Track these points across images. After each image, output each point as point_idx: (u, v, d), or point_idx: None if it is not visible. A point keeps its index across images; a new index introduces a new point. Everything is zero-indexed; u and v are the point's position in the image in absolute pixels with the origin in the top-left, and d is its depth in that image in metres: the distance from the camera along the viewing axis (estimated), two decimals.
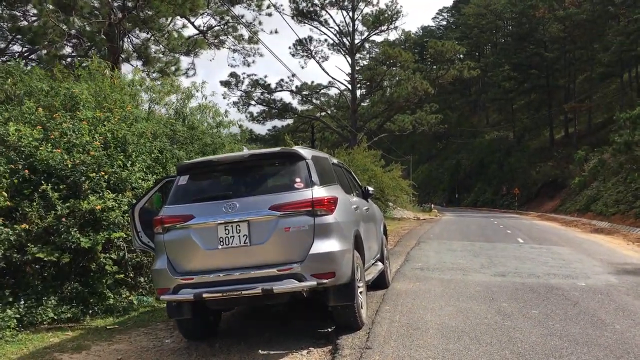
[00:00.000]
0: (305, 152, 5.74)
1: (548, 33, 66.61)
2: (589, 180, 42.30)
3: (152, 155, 8.59)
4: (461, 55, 50.14)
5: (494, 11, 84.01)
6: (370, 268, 7.37)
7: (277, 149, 5.92)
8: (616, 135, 34.05)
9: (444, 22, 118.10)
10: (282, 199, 5.32)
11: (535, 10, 68.72)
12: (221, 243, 5.31)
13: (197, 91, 12.09)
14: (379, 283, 8.13)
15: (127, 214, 7.23)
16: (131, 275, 7.83)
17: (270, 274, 5.20)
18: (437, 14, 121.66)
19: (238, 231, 5.30)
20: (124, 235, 7.41)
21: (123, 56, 22.89)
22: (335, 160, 6.92)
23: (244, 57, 30.44)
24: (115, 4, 21.37)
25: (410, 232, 21.28)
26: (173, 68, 20.88)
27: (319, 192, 5.45)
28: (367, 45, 51.91)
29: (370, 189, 8.07)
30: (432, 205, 53.05)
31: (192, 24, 26.68)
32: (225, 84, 46.38)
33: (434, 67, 47.14)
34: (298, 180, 5.47)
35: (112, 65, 11.80)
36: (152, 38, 23.34)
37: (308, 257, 5.21)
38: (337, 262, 5.35)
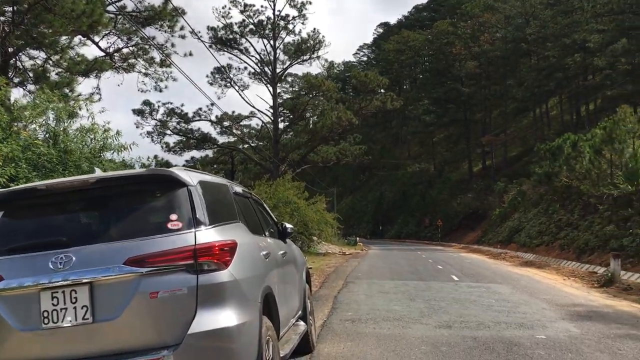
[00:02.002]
0: (188, 175, 3.85)
1: (464, 69, 68.59)
2: (509, 211, 42.71)
3: None
4: (383, 91, 49.89)
5: (413, 47, 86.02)
6: (287, 333, 5.53)
7: (143, 170, 4.04)
8: (536, 167, 34.42)
9: (365, 58, 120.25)
10: (146, 248, 3.43)
11: (452, 47, 70.82)
12: (46, 320, 3.33)
13: (80, 109, 9.98)
14: (302, 347, 6.29)
15: None
16: None
17: None
18: (358, 50, 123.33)
19: (74, 300, 3.35)
20: None
21: (14, 77, 20.26)
22: (239, 189, 5.08)
23: (155, 82, 28.12)
24: (2, 18, 18.86)
25: (336, 270, 19.58)
26: (67, 90, 18.33)
27: (208, 235, 3.60)
28: (289, 79, 50.73)
29: (289, 226, 6.26)
30: (357, 239, 51.87)
31: (97, 44, 24.24)
32: (138, 112, 43.57)
33: (357, 97, 46.53)
34: (174, 217, 3.59)
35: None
36: (46, 57, 20.83)
37: (186, 338, 3.33)
38: (233, 342, 3.50)
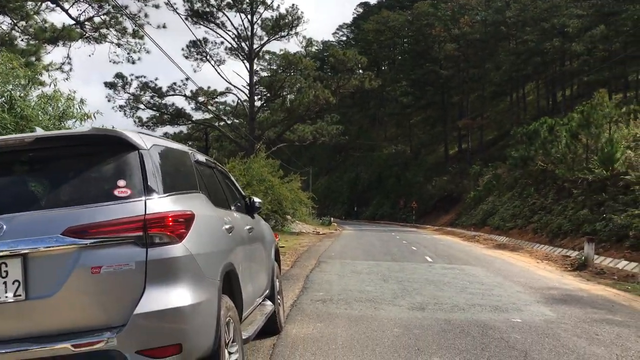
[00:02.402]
0: (140, 138, 3.41)
1: (443, 51, 68.36)
2: (484, 194, 42.89)
3: None
4: (361, 71, 49.38)
5: (392, 28, 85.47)
6: (253, 313, 5.19)
7: (88, 129, 3.59)
8: (512, 150, 34.49)
9: (344, 38, 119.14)
10: (88, 217, 3.01)
11: (432, 28, 70.49)
12: None
13: (40, 75, 9.38)
14: (269, 327, 5.97)
15: None
16: None
17: (61, 353, 2.90)
18: (337, 29, 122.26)
19: (4, 274, 2.95)
20: None
21: None
22: (201, 157, 4.64)
23: (128, 53, 27.22)
24: None
25: (309, 250, 19.29)
26: (33, 58, 17.50)
27: (160, 204, 3.20)
28: (267, 57, 49.78)
29: (258, 200, 5.87)
30: (332, 219, 51.72)
31: (67, 11, 23.24)
32: (110, 85, 42.36)
33: (336, 76, 45.91)
34: (122, 184, 3.18)
35: None
36: (12, 23, 19.89)
37: (132, 318, 2.95)
38: (186, 323, 3.13)
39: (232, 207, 5.15)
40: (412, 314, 7.49)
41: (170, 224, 3.17)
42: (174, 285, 3.11)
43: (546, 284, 11.16)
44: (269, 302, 5.91)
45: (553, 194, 26.91)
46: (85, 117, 9.45)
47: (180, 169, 3.91)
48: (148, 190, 3.20)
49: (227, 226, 4.18)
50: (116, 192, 3.14)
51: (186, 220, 3.31)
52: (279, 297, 6.54)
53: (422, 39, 73.70)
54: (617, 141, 21.32)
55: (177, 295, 3.10)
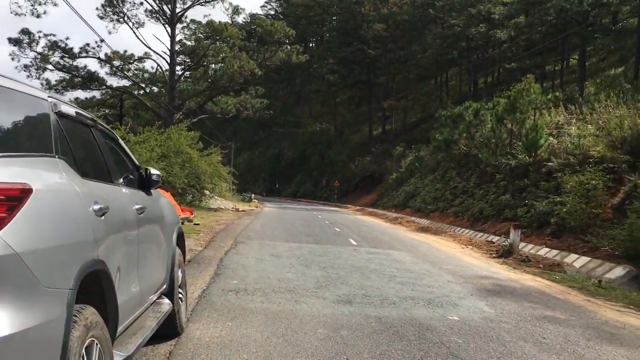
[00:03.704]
0: None
1: (372, 31, 67.93)
2: (406, 176, 43.05)
3: None
4: (289, 46, 47.87)
5: (322, 4, 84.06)
6: (141, 317, 4.01)
7: None
8: (437, 133, 34.51)
9: (272, 12, 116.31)
10: None
11: (361, 7, 69.84)
12: None
13: None
14: (165, 329, 4.80)
15: None
16: None
17: None
18: (266, 2, 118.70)
19: None
20: None
21: None
22: (70, 109, 3.31)
23: (32, 5, 24.41)
24: None
25: (226, 228, 18.01)
26: None
27: None
28: (192, 26, 47.07)
29: (155, 172, 4.61)
30: (253, 195, 50.37)
31: None
32: (14, 41, 38.45)
33: (262, 48, 44.13)
34: None
35: None
36: None
37: None
38: None
39: (119, 181, 3.92)
40: (338, 309, 6.54)
41: None
42: None
43: (476, 273, 10.61)
44: (166, 300, 4.73)
45: (475, 178, 27.03)
46: None
47: (23, 121, 2.65)
48: None
49: (96, 207, 2.94)
50: None
51: (9, 198, 2.09)
52: (181, 291, 5.36)
53: (351, 17, 72.95)
54: (541, 127, 21.42)
55: None
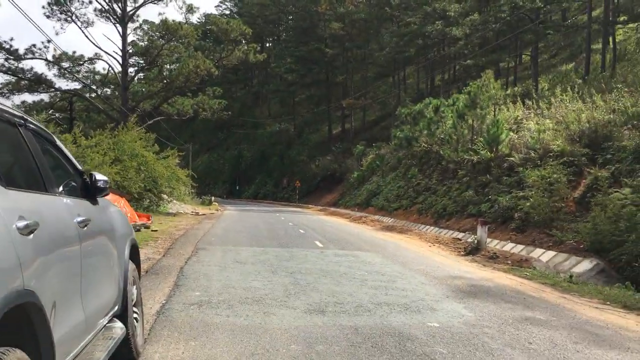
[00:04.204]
0: None
1: (329, 29, 67.71)
2: (367, 174, 42.91)
3: None
4: (245, 43, 47.01)
5: (278, 3, 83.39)
6: (89, 348, 3.44)
7: None
8: (397, 131, 34.43)
9: (227, 12, 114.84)
10: None
11: (317, 5, 69.51)
12: None
13: None
14: (120, 356, 4.22)
15: None
16: None
17: None
18: (221, 2, 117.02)
19: None
20: None
21: None
22: None
23: None
24: None
25: (186, 234, 17.27)
26: None
27: None
28: (145, 27, 45.67)
29: (103, 178, 4.04)
30: (213, 198, 49.37)
31: None
32: None
33: (218, 47, 43.14)
34: None
35: None
36: None
37: None
38: None
39: (58, 189, 3.35)
40: (310, 320, 6.06)
41: None
42: None
43: (448, 273, 10.31)
44: (118, 324, 4.15)
45: (437, 174, 27.00)
46: None
47: None
48: None
49: (21, 223, 2.38)
50: None
51: None
52: (136, 310, 4.79)
53: (308, 16, 72.60)
54: (502, 123, 21.47)
55: None
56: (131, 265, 4.69)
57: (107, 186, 4.07)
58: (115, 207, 4.86)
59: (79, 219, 3.35)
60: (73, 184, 3.81)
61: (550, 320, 6.57)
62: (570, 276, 10.53)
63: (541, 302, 7.86)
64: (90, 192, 3.93)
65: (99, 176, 3.99)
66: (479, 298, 7.82)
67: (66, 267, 2.93)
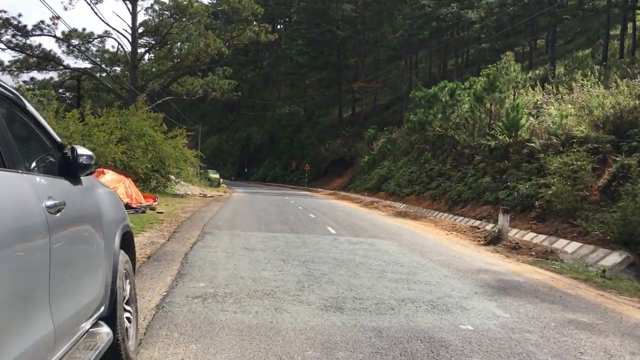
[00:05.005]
0: None
1: (341, 11, 66.43)
2: (378, 158, 42.10)
3: None
4: (256, 22, 46.04)
5: None
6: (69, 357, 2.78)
7: None
8: (411, 114, 33.56)
9: None
10: None
11: None
12: None
13: None
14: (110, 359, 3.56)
15: None
16: None
17: None
18: None
19: None
20: None
21: None
22: None
23: None
24: None
25: (193, 216, 16.63)
26: None
27: None
28: (156, 7, 44.78)
29: (87, 153, 3.34)
30: (221, 180, 48.75)
31: None
32: None
33: (229, 26, 42.21)
34: None
35: None
36: None
37: None
38: None
39: (29, 165, 2.68)
40: (327, 319, 5.39)
41: None
42: None
43: (471, 264, 9.61)
44: (104, 328, 3.48)
45: (452, 160, 26.19)
46: None
47: None
48: None
49: None
50: None
51: None
52: (129, 308, 4.12)
53: None
54: (522, 107, 20.59)
55: None
56: (123, 257, 4.00)
57: (92, 162, 3.36)
58: (105, 187, 4.16)
59: (50, 202, 2.65)
60: (51, 159, 3.14)
61: (596, 324, 5.86)
62: (603, 271, 9.80)
63: (579, 301, 7.15)
64: (71, 169, 3.24)
65: (81, 150, 3.28)
66: (510, 295, 7.11)
67: (22, 265, 2.24)
